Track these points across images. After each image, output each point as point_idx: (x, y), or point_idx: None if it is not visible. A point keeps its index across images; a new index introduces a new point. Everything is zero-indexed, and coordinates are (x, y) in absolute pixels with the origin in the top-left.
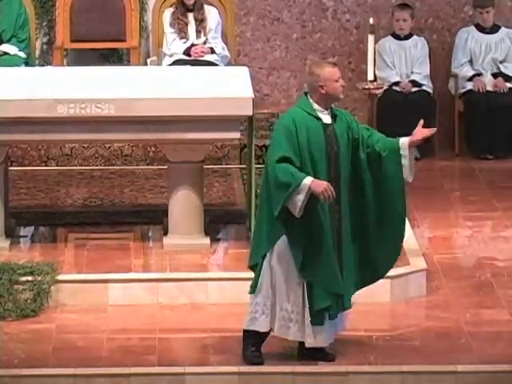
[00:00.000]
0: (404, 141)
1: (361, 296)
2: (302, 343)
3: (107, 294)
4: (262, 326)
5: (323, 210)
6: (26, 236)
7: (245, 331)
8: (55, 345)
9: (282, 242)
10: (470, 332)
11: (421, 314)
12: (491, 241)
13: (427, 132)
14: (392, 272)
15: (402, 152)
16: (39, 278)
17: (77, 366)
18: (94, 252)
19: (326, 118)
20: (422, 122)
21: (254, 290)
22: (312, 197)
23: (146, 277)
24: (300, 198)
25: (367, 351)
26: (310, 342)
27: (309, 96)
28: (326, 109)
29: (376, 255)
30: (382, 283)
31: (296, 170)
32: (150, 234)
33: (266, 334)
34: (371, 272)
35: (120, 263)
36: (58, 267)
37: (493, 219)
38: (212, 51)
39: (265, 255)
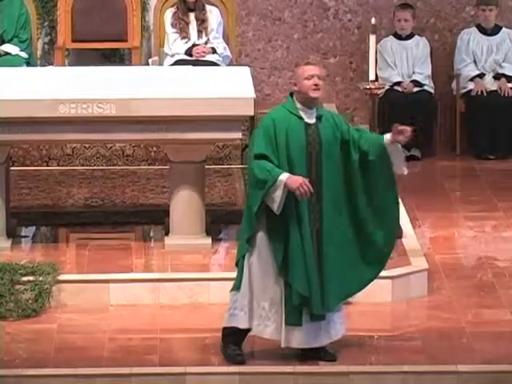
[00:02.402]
0: (387, 136)
1: (362, 296)
2: None
3: (108, 294)
4: (240, 323)
5: (302, 209)
6: (27, 236)
7: (224, 329)
8: (56, 345)
9: (261, 240)
10: (471, 332)
11: (422, 314)
12: (492, 241)
13: (403, 131)
14: (393, 272)
15: (387, 148)
16: (41, 278)
17: (78, 366)
18: (96, 252)
19: (309, 118)
20: (396, 125)
21: (234, 287)
22: (291, 194)
23: (148, 277)
24: (277, 195)
25: (368, 351)
26: (284, 342)
27: (294, 95)
28: (310, 108)
29: (370, 254)
30: (383, 283)
31: (273, 166)
32: (151, 234)
33: (245, 333)
34: (366, 271)
35: (121, 263)
36: (60, 267)
37: (494, 219)
38: (213, 51)
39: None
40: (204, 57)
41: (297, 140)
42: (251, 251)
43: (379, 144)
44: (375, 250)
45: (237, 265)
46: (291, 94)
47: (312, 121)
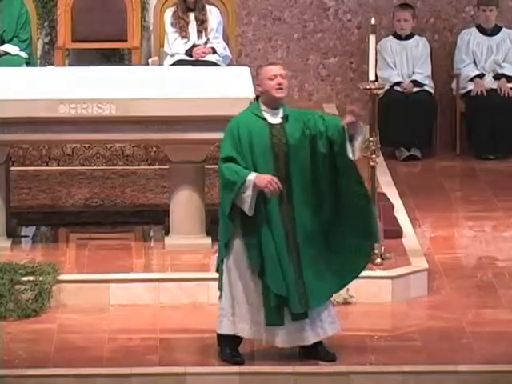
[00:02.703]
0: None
1: (362, 296)
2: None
3: (108, 294)
4: (225, 329)
5: (273, 210)
6: (27, 236)
7: (218, 335)
8: (56, 345)
9: (237, 244)
10: (471, 332)
11: (422, 313)
12: (492, 241)
13: (352, 109)
14: (393, 272)
15: (344, 132)
16: (41, 278)
17: (78, 366)
18: (96, 252)
19: (273, 118)
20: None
21: (220, 293)
22: (261, 196)
23: (148, 277)
24: (248, 195)
25: (368, 351)
26: (265, 342)
27: (260, 97)
28: (275, 108)
29: (348, 249)
30: (383, 283)
31: (241, 168)
32: (151, 234)
33: (240, 337)
34: (347, 267)
35: (121, 263)
36: (60, 267)
37: (494, 219)
38: (213, 51)
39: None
40: (204, 57)
41: (261, 142)
42: (228, 255)
43: (339, 128)
44: (354, 245)
45: (217, 270)
46: (257, 98)
47: (277, 121)
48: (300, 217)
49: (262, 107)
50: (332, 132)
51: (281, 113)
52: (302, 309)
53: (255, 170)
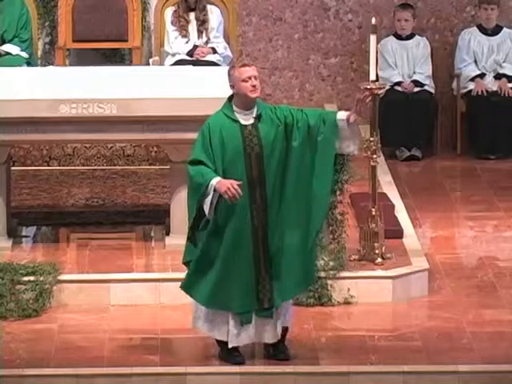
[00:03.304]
0: (342, 113)
1: (363, 296)
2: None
3: (109, 294)
4: (202, 330)
5: (243, 209)
6: (28, 236)
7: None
8: (57, 345)
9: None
10: (471, 332)
11: (423, 314)
12: (493, 241)
13: (362, 98)
14: (394, 272)
15: (339, 124)
16: (41, 278)
17: (79, 365)
18: (96, 252)
19: (246, 119)
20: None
21: None
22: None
23: (148, 277)
24: (209, 199)
25: (369, 351)
26: (231, 342)
27: (233, 98)
28: (248, 109)
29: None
30: (384, 283)
31: (209, 171)
32: (152, 233)
33: None
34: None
35: (122, 263)
36: (60, 267)
37: (495, 219)
38: (214, 51)
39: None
40: (204, 57)
41: (232, 143)
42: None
43: (330, 119)
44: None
45: (185, 264)
46: (230, 99)
47: (249, 122)
48: (273, 217)
49: (235, 108)
50: (315, 122)
51: (254, 112)
52: (261, 307)
53: (226, 172)
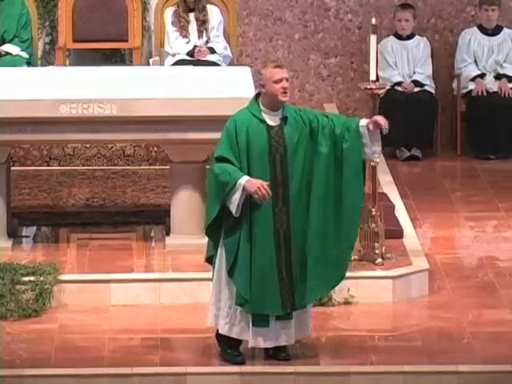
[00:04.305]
0: (363, 120)
1: (363, 296)
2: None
3: (109, 294)
4: (209, 322)
5: (265, 212)
6: (28, 236)
7: (217, 335)
8: (57, 345)
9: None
10: (472, 332)
11: (423, 314)
12: (493, 241)
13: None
14: (394, 272)
15: (361, 130)
16: (41, 278)
17: (79, 366)
18: (96, 252)
19: (272, 120)
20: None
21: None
22: (252, 197)
23: (148, 277)
24: (236, 198)
25: (369, 351)
26: (251, 342)
27: (260, 97)
28: (275, 110)
29: (334, 253)
30: (384, 283)
31: (235, 169)
32: (152, 234)
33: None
34: (332, 271)
35: (122, 263)
36: (60, 267)
37: (495, 219)
38: (212, 51)
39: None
40: (204, 57)
41: (258, 143)
42: (217, 251)
43: (353, 126)
44: (338, 251)
45: (207, 260)
46: (257, 96)
47: (275, 123)
48: (295, 219)
49: (262, 108)
50: (341, 130)
51: (280, 114)
52: (284, 311)
53: (251, 172)
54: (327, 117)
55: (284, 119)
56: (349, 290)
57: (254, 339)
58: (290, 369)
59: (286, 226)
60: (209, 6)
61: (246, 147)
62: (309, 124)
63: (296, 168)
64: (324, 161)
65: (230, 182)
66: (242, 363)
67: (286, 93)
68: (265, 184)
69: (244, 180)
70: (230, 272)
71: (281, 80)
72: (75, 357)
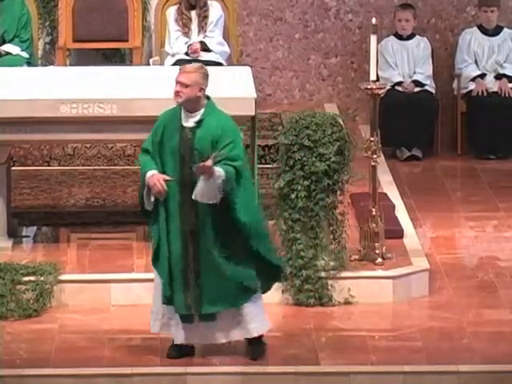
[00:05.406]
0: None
1: (363, 296)
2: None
3: (109, 294)
4: (152, 328)
5: (172, 210)
6: (28, 236)
7: None
8: (57, 345)
9: None
10: (472, 332)
11: (423, 314)
12: (494, 241)
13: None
14: (394, 272)
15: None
16: (42, 278)
17: (79, 365)
18: (97, 252)
19: (188, 122)
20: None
21: None
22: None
23: (149, 277)
24: (146, 190)
25: (369, 351)
26: (175, 339)
27: None
28: (190, 112)
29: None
30: (384, 283)
31: (150, 162)
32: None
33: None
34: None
35: (122, 263)
36: (61, 267)
37: (495, 219)
38: (204, 47)
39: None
40: (198, 54)
41: (171, 141)
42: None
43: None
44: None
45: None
46: None
47: (189, 124)
48: (203, 221)
49: (182, 108)
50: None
51: (197, 117)
52: (188, 311)
53: (164, 167)
54: (227, 158)
55: (199, 122)
56: (349, 289)
57: (179, 335)
58: (290, 369)
59: (193, 227)
60: (210, 2)
61: (160, 143)
62: (218, 140)
63: None
64: None
65: (142, 173)
66: (172, 357)
67: (177, 96)
68: (161, 179)
69: (149, 173)
70: (155, 270)
71: (176, 82)
72: (75, 357)
